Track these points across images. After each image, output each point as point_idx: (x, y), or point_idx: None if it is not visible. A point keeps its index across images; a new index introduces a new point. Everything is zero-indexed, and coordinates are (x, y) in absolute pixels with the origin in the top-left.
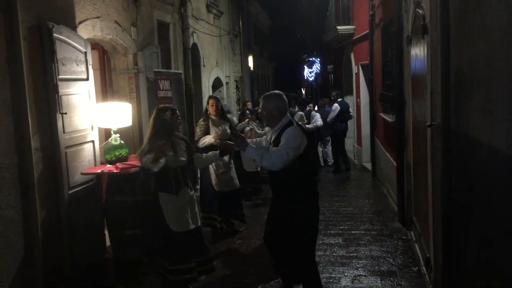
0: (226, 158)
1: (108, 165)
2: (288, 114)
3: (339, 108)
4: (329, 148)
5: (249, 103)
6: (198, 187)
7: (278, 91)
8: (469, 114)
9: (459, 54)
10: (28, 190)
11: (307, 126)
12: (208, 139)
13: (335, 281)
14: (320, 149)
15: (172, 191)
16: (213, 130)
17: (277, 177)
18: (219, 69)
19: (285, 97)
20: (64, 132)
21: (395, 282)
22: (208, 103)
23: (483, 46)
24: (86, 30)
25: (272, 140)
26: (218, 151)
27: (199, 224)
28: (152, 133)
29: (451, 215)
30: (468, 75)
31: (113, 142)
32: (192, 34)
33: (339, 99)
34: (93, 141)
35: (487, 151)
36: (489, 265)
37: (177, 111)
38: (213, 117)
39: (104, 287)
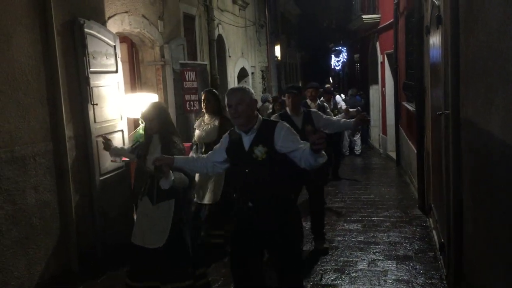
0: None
1: None
2: None
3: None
4: (358, 137)
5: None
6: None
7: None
8: (474, 103)
9: (467, 44)
10: (62, 175)
11: (337, 117)
12: None
13: (351, 264)
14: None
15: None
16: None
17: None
18: (244, 60)
19: None
20: (95, 121)
21: (410, 266)
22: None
23: (484, 37)
24: (115, 25)
25: (251, 142)
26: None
27: (156, 246)
28: None
29: (460, 203)
30: (473, 65)
31: (141, 131)
32: (217, 26)
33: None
34: (122, 130)
35: (487, 139)
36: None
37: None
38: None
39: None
